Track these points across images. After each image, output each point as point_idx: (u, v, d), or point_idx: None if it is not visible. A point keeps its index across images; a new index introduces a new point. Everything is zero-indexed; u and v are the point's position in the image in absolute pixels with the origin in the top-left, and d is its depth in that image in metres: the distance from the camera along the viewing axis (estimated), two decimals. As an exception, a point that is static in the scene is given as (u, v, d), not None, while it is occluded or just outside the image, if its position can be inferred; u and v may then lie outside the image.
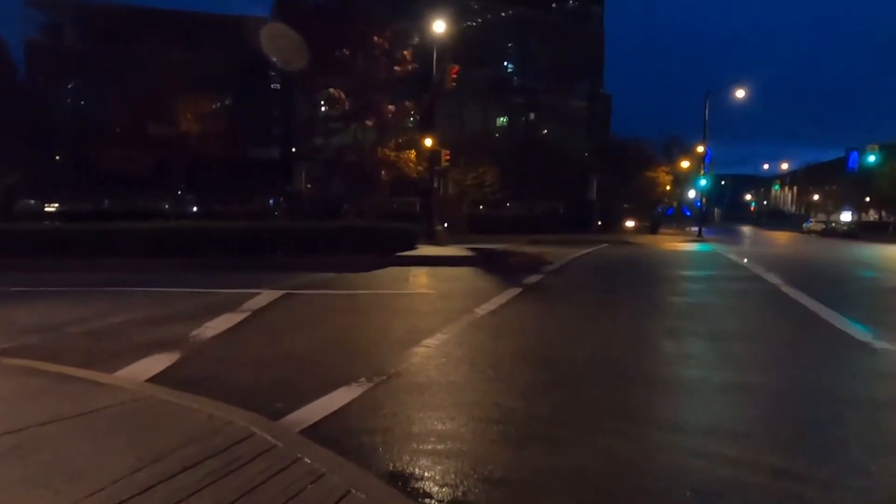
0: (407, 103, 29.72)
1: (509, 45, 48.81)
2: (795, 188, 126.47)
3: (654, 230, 45.35)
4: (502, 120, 47.34)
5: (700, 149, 47.20)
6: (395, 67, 28.54)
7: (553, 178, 39.50)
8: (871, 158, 47.74)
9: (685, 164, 48.20)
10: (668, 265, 16.27)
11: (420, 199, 34.58)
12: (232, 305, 8.46)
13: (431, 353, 5.91)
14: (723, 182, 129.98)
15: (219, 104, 35.92)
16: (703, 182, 42.87)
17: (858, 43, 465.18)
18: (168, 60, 29.95)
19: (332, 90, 27.96)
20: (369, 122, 28.86)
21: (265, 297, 9.38)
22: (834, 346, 6.60)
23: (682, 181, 56.54)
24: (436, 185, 30.84)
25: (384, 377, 5.09)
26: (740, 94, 41.04)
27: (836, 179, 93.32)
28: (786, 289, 10.89)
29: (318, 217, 21.48)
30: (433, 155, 29.99)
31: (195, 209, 37.20)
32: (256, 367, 5.46)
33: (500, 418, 4.11)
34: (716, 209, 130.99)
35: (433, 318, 7.83)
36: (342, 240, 15.11)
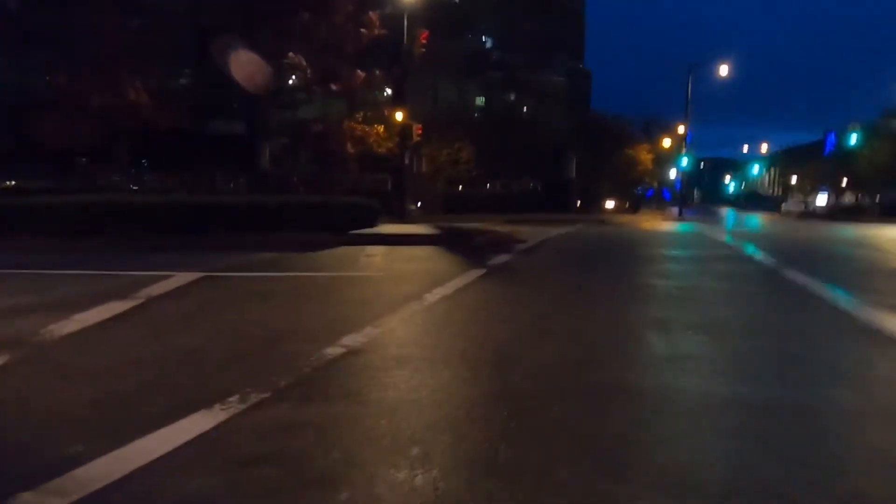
0: (376, 72, 27.85)
1: (487, 17, 46.85)
2: (773, 170, 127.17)
3: (634, 210, 44.32)
4: (480, 100, 45.60)
5: (681, 129, 46.16)
6: (362, 30, 26.61)
7: (531, 156, 38.00)
8: (854, 138, 47.11)
9: (667, 142, 47.10)
10: (651, 244, 14.99)
11: (392, 177, 32.81)
12: (126, 292, 6.88)
13: (347, 357, 4.44)
14: (701, 164, 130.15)
15: (175, 72, 33.58)
16: (684, 161, 41.82)
17: (834, 27, 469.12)
18: (118, 25, 27.59)
19: (291, 55, 25.96)
20: (335, 87, 26.94)
21: (176, 280, 7.82)
22: (856, 339, 5.28)
23: (662, 161, 55.59)
24: (407, 161, 29.22)
25: (266, 394, 3.62)
26: (723, 70, 39.88)
27: (814, 162, 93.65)
28: (781, 270, 9.66)
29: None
30: (404, 129, 28.35)
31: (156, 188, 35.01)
32: (95, 380, 3.94)
33: (405, 483, 2.66)
34: (695, 191, 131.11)
35: (371, 306, 6.36)
36: (292, 216, 13.49)
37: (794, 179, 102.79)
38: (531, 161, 38.10)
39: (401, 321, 5.62)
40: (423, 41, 22.65)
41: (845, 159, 65.78)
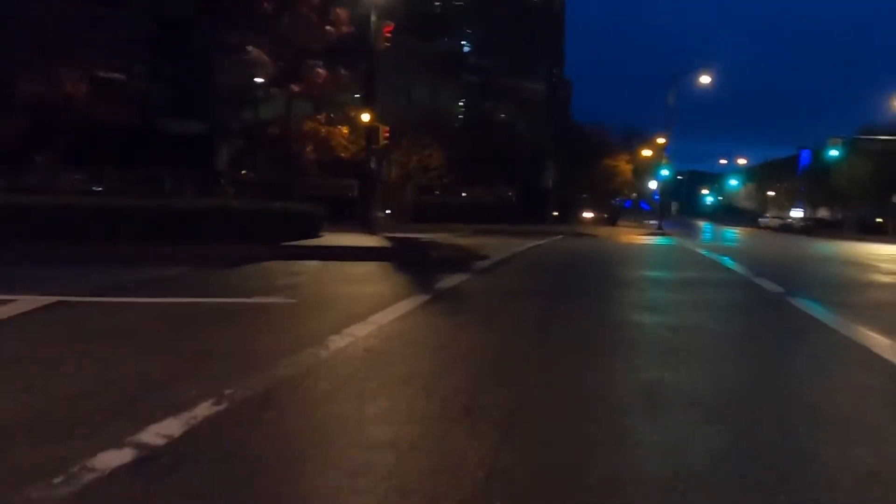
0: (342, 71, 25.90)
1: (465, 21, 45.37)
2: (750, 185, 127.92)
3: (612, 222, 42.96)
4: (456, 104, 43.92)
5: (661, 140, 45.08)
6: (327, 27, 24.71)
7: (507, 164, 36.42)
8: (834, 153, 46.46)
9: (647, 152, 45.92)
10: (632, 263, 13.31)
11: (358, 183, 30.82)
12: None
13: (119, 476, 2.51)
14: (679, 177, 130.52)
15: (125, 66, 31.25)
16: (664, 171, 40.62)
17: (808, 47, 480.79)
18: (57, 10, 25.30)
19: (249, 48, 23.94)
20: (296, 88, 24.96)
21: (12, 308, 5.83)
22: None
23: (641, 172, 54.58)
24: (374, 166, 27.30)
25: None
26: (705, 80, 38.92)
27: (790, 176, 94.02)
28: (788, 298, 7.98)
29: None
30: (371, 132, 26.44)
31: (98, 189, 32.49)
32: None
33: None
34: (672, 203, 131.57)
35: (239, 357, 4.44)
36: (213, 224, 11.47)
37: (770, 194, 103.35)
38: (507, 169, 36.51)
39: (261, 392, 3.70)
40: (387, 35, 20.81)
41: (821, 175, 65.68)
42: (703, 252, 17.70)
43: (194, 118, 35.14)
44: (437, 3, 41.62)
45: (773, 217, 76.66)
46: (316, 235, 13.24)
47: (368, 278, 9.05)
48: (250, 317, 6.14)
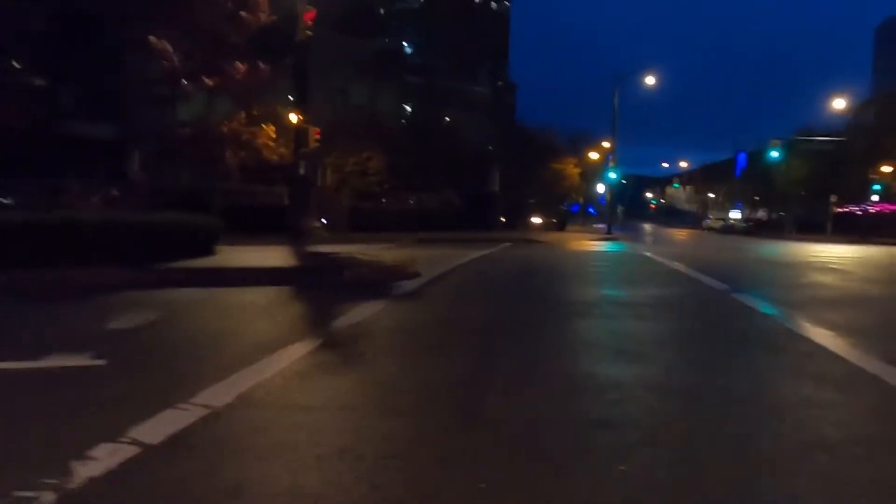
0: (260, 65, 23.24)
1: (408, 22, 43.41)
2: (689, 187, 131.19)
3: (561, 227, 41.72)
4: (397, 106, 41.78)
5: (607, 144, 44.35)
6: (242, 13, 22.08)
7: (452, 169, 34.53)
8: (774, 154, 46.90)
9: (594, 155, 45.06)
10: (587, 276, 11.51)
11: (288, 189, 28.15)
12: None
13: None
14: (624, 182, 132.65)
15: (18, 61, 27.63)
16: (612, 175, 39.68)
17: (743, 55, 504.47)
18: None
19: (153, 39, 21.11)
20: (209, 81, 22.22)
21: None
22: None
23: (588, 176, 53.92)
24: (303, 171, 24.78)
25: None
26: (650, 80, 38.28)
27: (729, 179, 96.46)
28: (790, 322, 6.25)
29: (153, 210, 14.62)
30: (299, 133, 24.00)
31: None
32: None
33: None
34: (619, 207, 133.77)
35: None
36: (80, 242, 8.92)
37: (711, 196, 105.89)
38: (452, 174, 34.61)
39: None
40: (309, 22, 18.48)
41: (759, 176, 67.09)
42: (658, 258, 16.18)
43: (105, 120, 31.68)
44: (377, 0, 39.49)
45: (717, 219, 77.99)
46: (209, 252, 10.83)
47: (250, 313, 6.80)
48: (20, 389, 3.81)
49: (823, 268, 14.32)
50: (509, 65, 62.05)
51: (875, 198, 43.50)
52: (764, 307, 7.26)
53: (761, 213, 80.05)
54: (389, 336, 5.70)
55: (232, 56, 23.44)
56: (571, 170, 44.80)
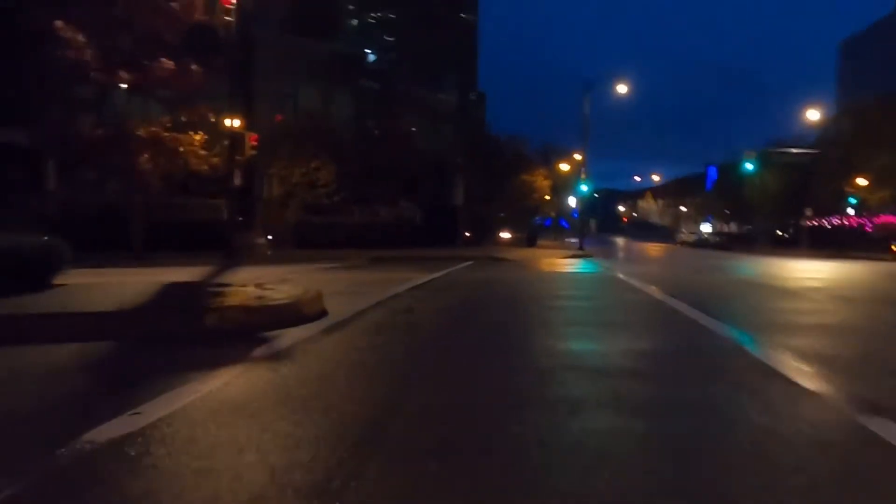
0: (192, 66, 20.43)
1: (365, 20, 40.92)
2: (660, 201, 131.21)
3: (531, 243, 39.43)
4: (358, 112, 39.17)
5: (578, 156, 42.43)
6: (172, 3, 19.23)
7: (411, 180, 31.98)
8: (749, 166, 45.54)
9: (565, 167, 43.03)
10: (549, 314, 8.95)
11: (226, 203, 25.06)
12: None
13: None
14: (596, 195, 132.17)
15: None
16: (584, 187, 37.60)
17: (711, 70, 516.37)
18: None
19: (58, 23, 18.14)
20: (125, 75, 19.26)
21: None
22: None
23: (559, 189, 51.96)
24: (238, 181, 21.92)
25: None
26: (622, 89, 36.47)
27: (699, 192, 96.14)
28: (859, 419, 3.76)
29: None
30: (234, 139, 21.17)
31: None
32: None
33: None
34: (591, 220, 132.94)
35: None
36: None
37: (682, 209, 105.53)
38: (412, 185, 32.03)
39: None
40: (227, 6, 15.78)
41: (731, 189, 66.18)
42: (635, 283, 13.77)
43: (21, 124, 28.31)
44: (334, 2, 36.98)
45: (690, 233, 76.90)
46: (42, 286, 7.98)
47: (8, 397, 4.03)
48: None
49: (833, 296, 12.03)
50: (478, 74, 60.12)
51: (851, 211, 42.29)
52: (805, 380, 4.74)
53: (731, 227, 79.34)
54: (162, 470, 2.97)
55: (157, 52, 20.54)
56: (542, 182, 42.63)
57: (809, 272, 19.56)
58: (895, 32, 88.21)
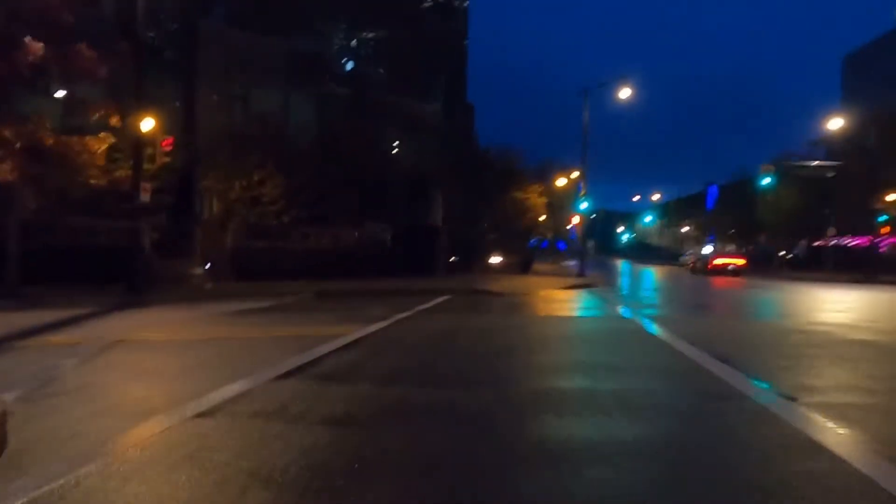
0: (87, 51, 15.68)
1: (337, 18, 36.63)
2: (661, 222, 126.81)
3: (525, 269, 34.62)
4: (330, 120, 34.57)
5: (576, 173, 37.94)
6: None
7: (385, 197, 27.30)
8: (767, 181, 41.07)
9: (561, 181, 38.45)
10: (530, 444, 4.09)
11: (141, 224, 19.92)
12: None
13: None
14: (594, 216, 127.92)
15: None
16: (583, 204, 32.93)
17: (709, 88, 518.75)
18: None
19: None
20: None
21: None
22: None
23: (556, 208, 47.28)
24: (144, 198, 17.03)
25: None
26: (623, 94, 32.01)
27: (700, 212, 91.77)
28: None
29: None
30: (138, 144, 16.43)
31: None
32: None
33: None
34: (588, 242, 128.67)
35: None
36: None
37: (685, 229, 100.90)
38: (384, 203, 27.29)
39: None
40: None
41: (740, 207, 61.74)
42: (665, 339, 8.89)
43: None
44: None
45: (693, 255, 71.95)
46: None
47: None
48: None
49: None
50: (467, 86, 55.89)
51: (884, 230, 37.71)
52: None
53: (732, 247, 74.62)
54: None
55: (39, 31, 15.79)
56: (536, 199, 37.96)
57: (871, 310, 14.64)
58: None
